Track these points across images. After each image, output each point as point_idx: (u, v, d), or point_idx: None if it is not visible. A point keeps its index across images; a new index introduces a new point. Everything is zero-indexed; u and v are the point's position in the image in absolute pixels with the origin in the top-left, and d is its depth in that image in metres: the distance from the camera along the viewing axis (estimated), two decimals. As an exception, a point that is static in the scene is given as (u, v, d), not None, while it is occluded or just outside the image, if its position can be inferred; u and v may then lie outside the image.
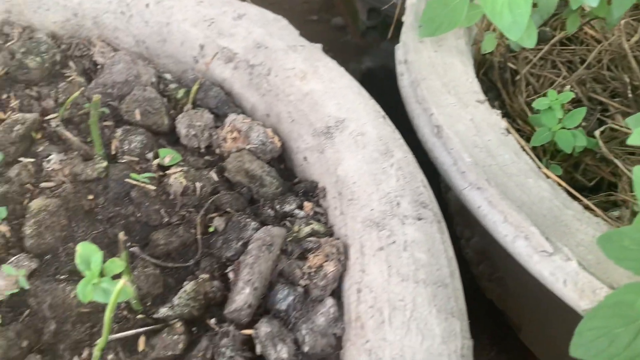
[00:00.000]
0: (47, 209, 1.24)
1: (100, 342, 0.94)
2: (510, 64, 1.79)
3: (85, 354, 1.09)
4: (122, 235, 0.98)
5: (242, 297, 1.07)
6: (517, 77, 1.76)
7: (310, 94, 1.37)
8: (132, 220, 1.31)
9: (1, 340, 1.05)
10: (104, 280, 0.98)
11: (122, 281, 0.86)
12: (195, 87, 1.50)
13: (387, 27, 3.48)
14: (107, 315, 0.89)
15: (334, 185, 1.24)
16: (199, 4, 1.61)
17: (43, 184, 1.35)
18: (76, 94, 1.44)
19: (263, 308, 1.14)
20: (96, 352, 0.96)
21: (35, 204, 1.25)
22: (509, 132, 1.38)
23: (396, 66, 1.58)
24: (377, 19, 3.44)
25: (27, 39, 1.68)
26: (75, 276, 1.20)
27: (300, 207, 1.27)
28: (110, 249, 1.26)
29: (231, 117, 1.41)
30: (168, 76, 1.64)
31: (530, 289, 1.53)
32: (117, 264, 0.99)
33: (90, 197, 1.34)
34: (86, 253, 1.00)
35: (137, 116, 1.46)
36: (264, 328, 1.05)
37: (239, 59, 1.50)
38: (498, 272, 1.68)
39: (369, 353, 0.97)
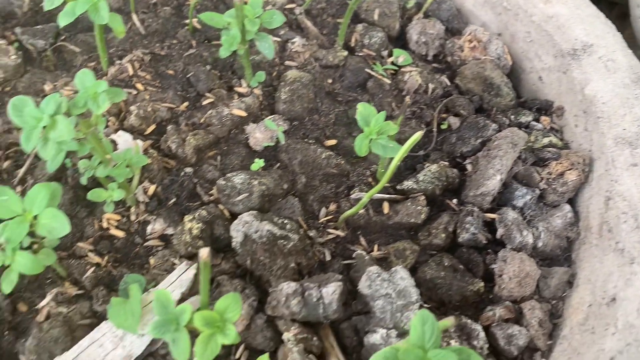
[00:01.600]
0: (300, 80, 1.36)
1: (374, 189, 1.04)
2: None
3: (332, 207, 1.20)
4: (408, 99, 1.06)
5: (493, 182, 1.14)
6: None
7: (555, 16, 1.38)
8: (366, 107, 1.40)
9: (269, 178, 1.18)
10: (381, 137, 1.07)
11: (418, 134, 0.94)
12: (431, -2, 1.56)
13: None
14: (394, 163, 0.98)
15: (578, 104, 1.26)
16: None
17: (287, 62, 1.47)
18: (322, -14, 1.54)
19: (496, 202, 1.20)
20: (365, 198, 1.06)
21: (292, 74, 1.37)
22: None
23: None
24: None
25: None
26: (319, 143, 1.31)
27: (537, 120, 1.31)
28: (349, 128, 1.36)
29: (472, 27, 1.46)
30: (394, -12, 1.71)
31: None
32: (392, 126, 1.08)
33: (329, 80, 1.44)
34: (366, 112, 1.09)
35: (375, 16, 1.54)
36: (511, 214, 1.11)
37: (479, -24, 1.53)
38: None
39: (621, 252, 1.01)
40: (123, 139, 1.22)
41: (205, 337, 0.82)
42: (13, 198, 0.95)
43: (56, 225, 0.93)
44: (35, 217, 0.94)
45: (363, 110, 1.09)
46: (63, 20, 1.20)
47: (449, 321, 0.85)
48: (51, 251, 1.02)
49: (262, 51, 1.25)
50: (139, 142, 1.22)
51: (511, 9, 1.46)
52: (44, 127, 0.95)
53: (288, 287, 0.99)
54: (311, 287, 0.99)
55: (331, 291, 0.98)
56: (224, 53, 1.25)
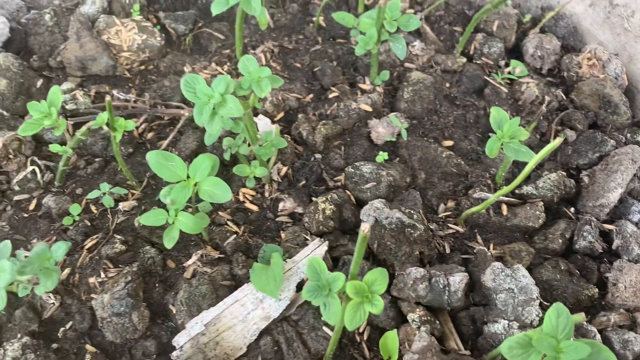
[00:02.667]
0: (423, 81, 1.43)
1: (505, 189, 1.10)
2: None
3: (450, 203, 1.27)
4: (543, 107, 1.12)
5: (613, 195, 1.18)
6: None
7: (679, 41, 1.41)
8: (482, 113, 1.47)
9: (395, 171, 1.26)
10: (513, 141, 1.13)
11: (557, 140, 1.00)
12: (550, 15, 1.61)
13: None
14: (529, 167, 1.04)
15: (700, 128, 1.29)
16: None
17: (407, 64, 1.55)
18: (437, 2, 1.61)
19: (611, 215, 1.24)
20: (493, 197, 1.13)
21: (415, 75, 1.45)
22: None
23: None
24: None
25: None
26: (437, 142, 1.39)
27: (654, 140, 1.35)
28: (465, 131, 1.43)
29: (592, 45, 1.50)
30: (509, 1, 1.76)
31: None
32: (523, 132, 1.14)
33: (447, 84, 1.51)
34: (499, 116, 1.16)
35: (494, 27, 1.60)
36: (630, 227, 1.16)
37: (601, -4, 1.57)
38: None
39: None
40: (263, 122, 1.33)
41: (355, 304, 0.90)
42: (179, 164, 1.06)
43: (218, 192, 1.04)
44: (196, 184, 1.05)
45: (497, 114, 1.15)
46: (216, 9, 1.31)
47: (580, 316, 0.91)
48: (205, 215, 1.13)
49: (395, 52, 1.33)
50: (277, 126, 1.32)
51: (632, 30, 1.50)
52: (215, 104, 1.06)
53: (416, 271, 1.07)
54: (438, 275, 1.07)
55: (458, 280, 1.05)
56: (359, 51, 1.34)
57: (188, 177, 1.06)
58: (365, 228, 0.87)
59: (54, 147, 1.16)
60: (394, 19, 1.32)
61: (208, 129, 1.08)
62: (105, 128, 1.13)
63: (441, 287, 1.06)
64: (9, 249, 0.90)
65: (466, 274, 1.07)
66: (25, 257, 1.02)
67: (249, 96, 1.14)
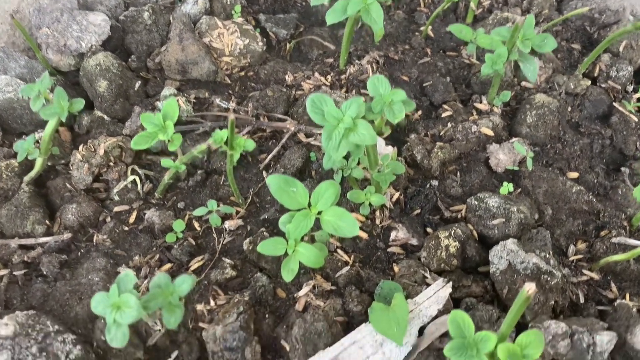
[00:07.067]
0: (548, 105, 1.31)
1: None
2: None
3: (580, 245, 1.16)
4: None
5: None
6: None
7: None
8: (607, 143, 1.34)
9: (524, 206, 1.15)
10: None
11: None
12: (686, 35, 1.46)
13: None
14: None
15: None
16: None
17: (523, 82, 1.42)
18: (557, 19, 1.48)
19: None
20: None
21: (539, 97, 1.33)
22: None
23: None
24: None
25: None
26: (562, 174, 1.27)
27: None
28: (591, 161, 1.30)
29: None
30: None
31: None
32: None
33: (569, 109, 1.39)
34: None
35: (621, 48, 1.46)
36: None
37: None
38: None
39: None
40: (378, 143, 1.24)
41: (507, 369, 0.81)
42: (301, 191, 0.97)
43: (344, 224, 0.95)
44: (319, 213, 0.97)
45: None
46: (331, 18, 1.23)
47: None
48: (324, 246, 1.05)
49: (526, 74, 1.22)
50: (393, 149, 1.22)
51: None
52: (345, 128, 0.97)
53: (557, 326, 0.96)
54: (581, 331, 0.96)
55: (606, 340, 0.94)
56: (486, 70, 1.23)
57: (309, 205, 0.97)
58: (530, 288, 0.77)
59: (166, 162, 1.09)
60: (526, 38, 1.20)
61: (333, 154, 0.99)
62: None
63: (585, 346, 0.95)
64: (132, 280, 0.83)
65: (614, 334, 0.96)
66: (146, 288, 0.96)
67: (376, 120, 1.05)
